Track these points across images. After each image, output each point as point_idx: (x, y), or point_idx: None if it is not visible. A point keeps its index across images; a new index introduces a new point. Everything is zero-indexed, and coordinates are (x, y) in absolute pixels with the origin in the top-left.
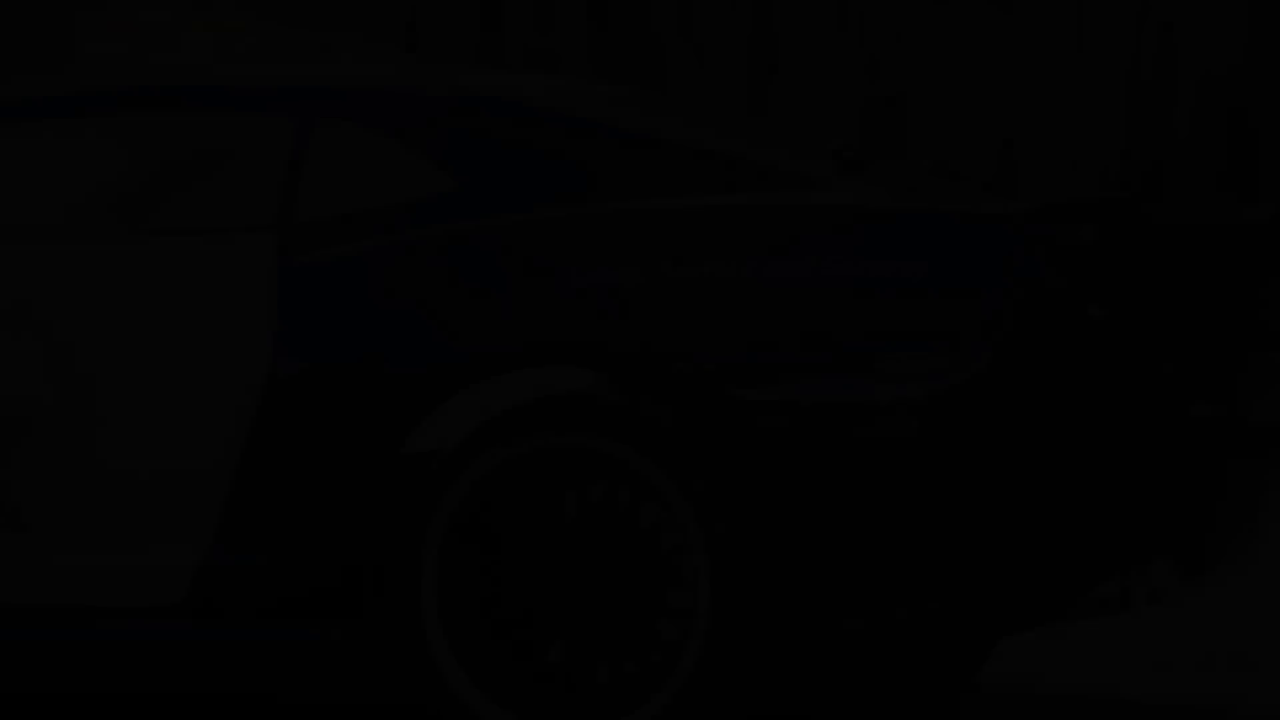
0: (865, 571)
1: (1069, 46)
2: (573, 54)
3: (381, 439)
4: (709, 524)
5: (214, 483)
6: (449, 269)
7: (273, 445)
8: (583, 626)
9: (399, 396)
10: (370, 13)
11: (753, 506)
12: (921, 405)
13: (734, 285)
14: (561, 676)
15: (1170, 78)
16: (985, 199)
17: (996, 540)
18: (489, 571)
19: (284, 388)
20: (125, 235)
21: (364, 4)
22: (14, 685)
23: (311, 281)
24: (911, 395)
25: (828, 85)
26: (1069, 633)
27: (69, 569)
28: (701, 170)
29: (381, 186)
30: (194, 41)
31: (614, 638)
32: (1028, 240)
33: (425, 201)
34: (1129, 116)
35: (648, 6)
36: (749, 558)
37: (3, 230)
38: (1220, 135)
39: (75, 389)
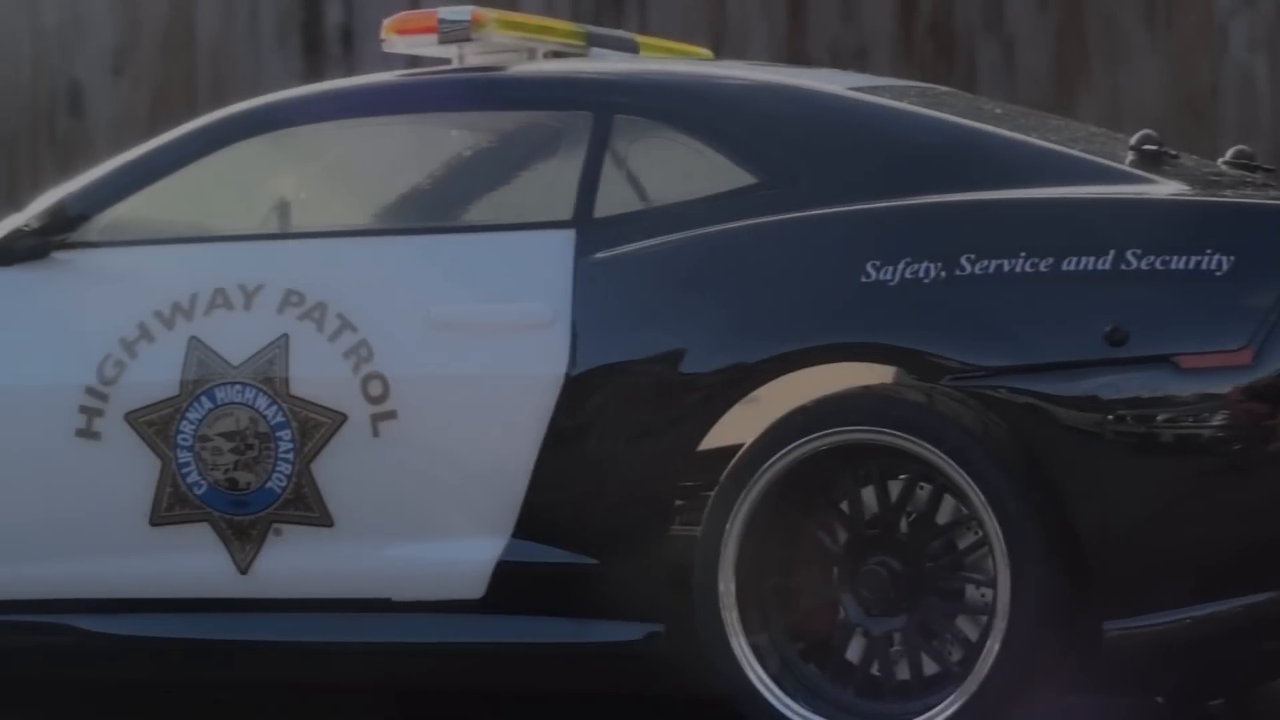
0: (1166, 569)
1: None
2: (879, 48)
3: (679, 436)
4: (1007, 522)
5: (513, 480)
6: (750, 264)
7: (570, 442)
8: (882, 625)
9: (698, 392)
10: (677, 8)
11: (1053, 504)
12: (1226, 401)
13: (1036, 279)
14: (860, 675)
15: None
16: None
17: None
18: (787, 569)
19: (581, 384)
20: (430, 231)
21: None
22: (315, 677)
23: (609, 277)
24: (1216, 390)
25: (1138, 81)
26: None
27: (373, 565)
28: (1008, 164)
29: (680, 181)
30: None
31: (913, 636)
32: None
33: (725, 196)
34: None
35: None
36: (1048, 556)
37: (317, 224)
38: None
39: (382, 386)
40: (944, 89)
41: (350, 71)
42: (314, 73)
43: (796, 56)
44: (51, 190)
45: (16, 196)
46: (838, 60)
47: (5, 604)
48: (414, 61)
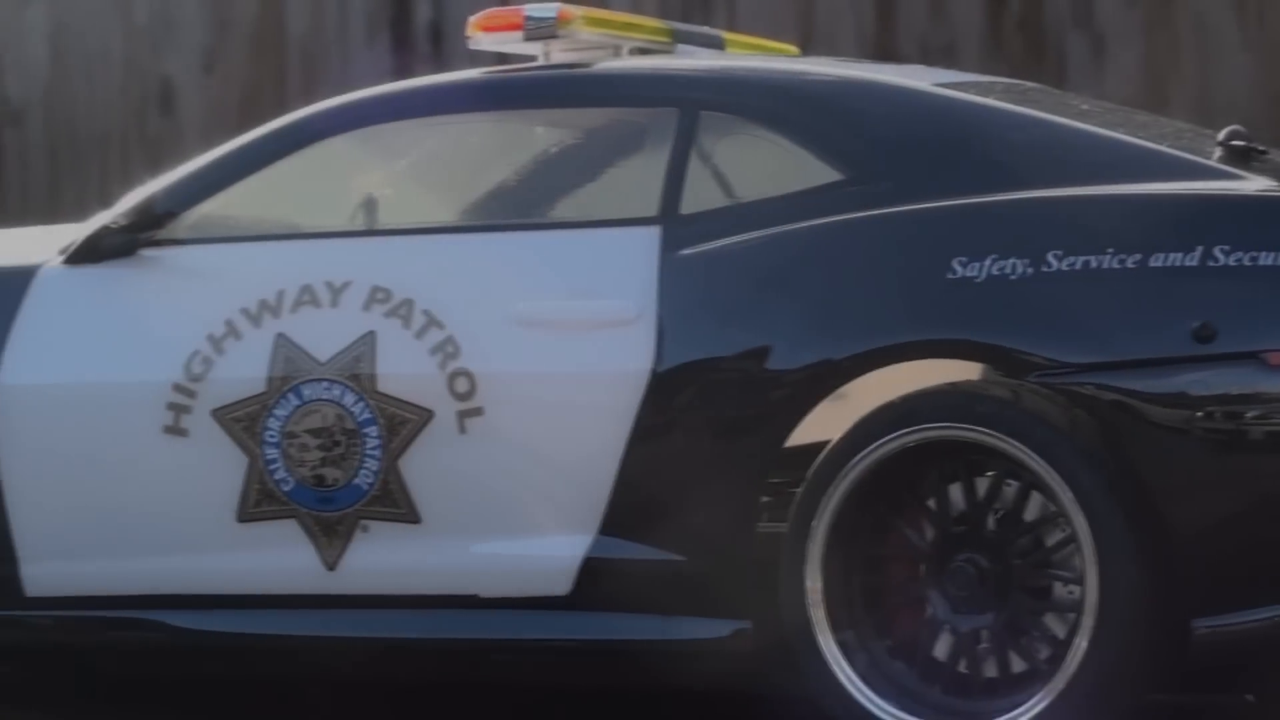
0: (1255, 566)
1: None
2: (968, 44)
3: (765, 433)
4: (1096, 519)
5: (600, 477)
6: (837, 261)
7: (655, 439)
8: (969, 622)
9: (784, 389)
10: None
11: (1141, 501)
12: None
13: (1124, 276)
14: (948, 672)
15: None
16: None
17: None
18: (874, 566)
19: (666, 381)
20: (516, 228)
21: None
22: (401, 674)
23: (695, 274)
24: None
25: (1228, 77)
26: None
27: (460, 561)
28: (1096, 160)
29: (766, 178)
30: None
31: (1001, 634)
32: None
33: (811, 193)
34: None
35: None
36: (1136, 554)
37: (403, 221)
38: None
39: (468, 383)
40: (1031, 85)
41: (439, 69)
42: (403, 70)
43: (884, 53)
44: (139, 188)
45: (108, 194)
46: (926, 56)
47: (94, 600)
48: (501, 59)
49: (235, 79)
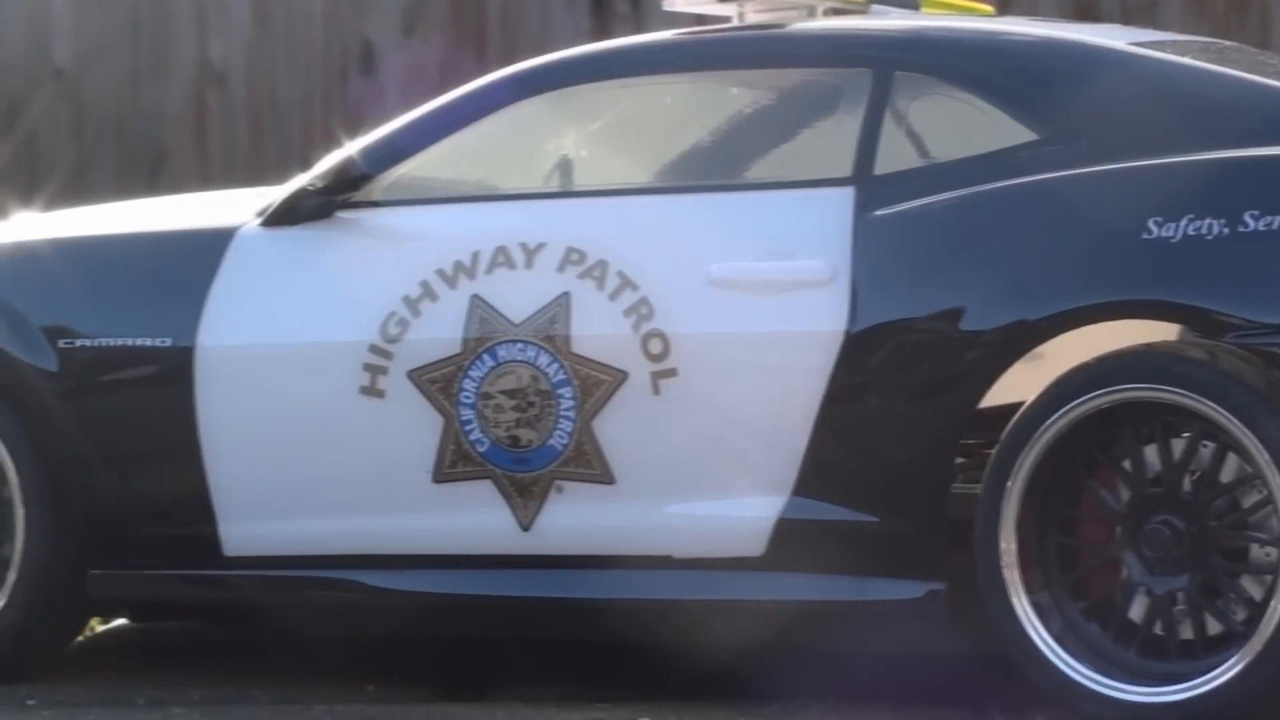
0: None
1: None
2: (1169, 2)
3: (959, 394)
4: None
5: (793, 438)
6: (1032, 221)
7: (849, 400)
8: (1164, 584)
9: (978, 350)
10: None
11: None
12: None
13: None
14: (1143, 634)
15: None
16: None
17: None
18: (1068, 527)
19: (860, 342)
20: (710, 189)
21: None
22: (594, 633)
23: (889, 234)
24: None
25: None
26: None
27: (654, 522)
28: None
29: (960, 138)
30: None
31: (1196, 595)
32: None
33: (1006, 153)
34: None
35: None
36: None
37: (598, 183)
38: None
39: (662, 344)
40: (1229, 44)
41: (638, 30)
42: (602, 31)
43: (1085, 12)
44: (337, 150)
45: (309, 156)
46: (1127, 15)
47: (291, 559)
48: (698, 20)
49: (435, 40)
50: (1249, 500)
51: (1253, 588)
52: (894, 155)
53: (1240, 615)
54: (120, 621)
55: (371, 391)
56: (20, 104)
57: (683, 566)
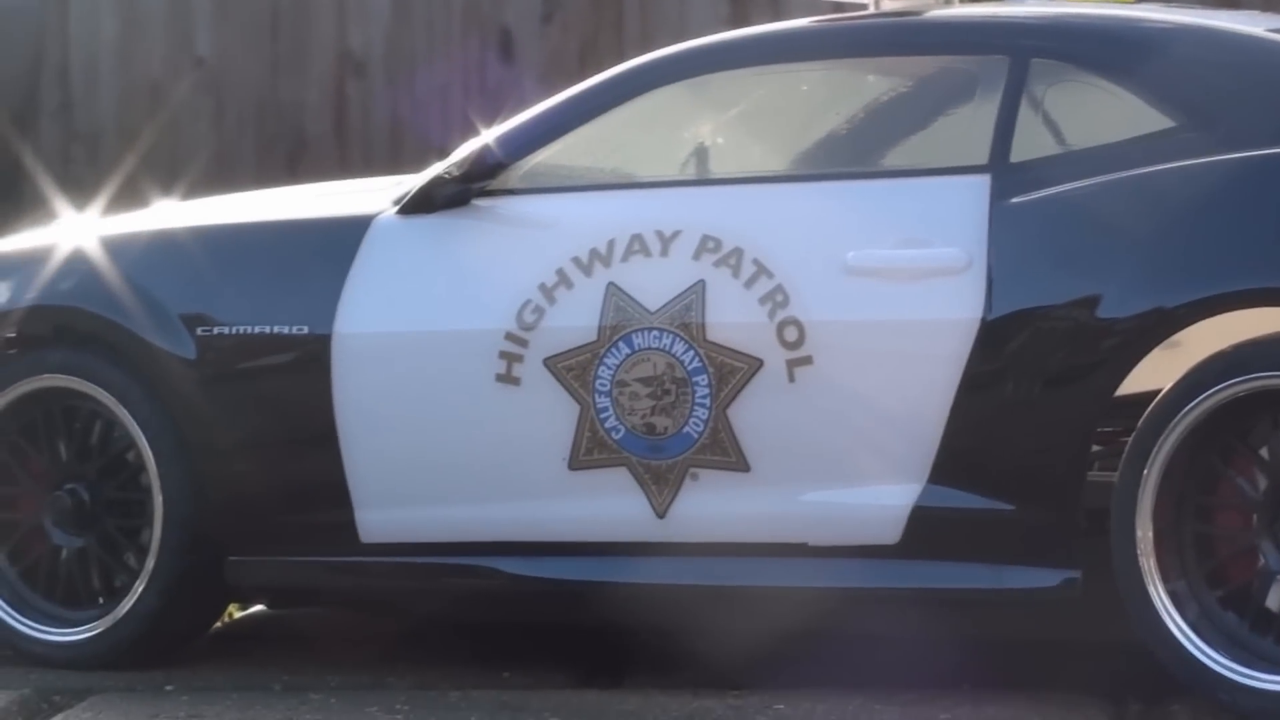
0: None
1: None
2: None
3: (1096, 381)
4: None
5: (929, 426)
6: (1170, 208)
7: (985, 387)
8: None
9: (1115, 337)
10: None
11: None
12: None
13: None
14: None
15: None
16: None
17: None
18: (1205, 515)
19: (997, 329)
20: (845, 177)
21: None
22: (729, 621)
23: (1025, 222)
24: None
25: None
26: None
27: (790, 510)
28: None
29: (1097, 125)
30: None
31: None
32: None
33: (1143, 140)
34: None
35: None
36: None
37: (733, 171)
38: None
39: (797, 332)
40: None
41: (775, 17)
42: (739, 19)
43: (1224, 1)
44: (474, 138)
45: (447, 144)
46: (1270, 2)
47: (428, 546)
48: (834, 6)
49: (574, 28)
50: None
51: None
52: (1030, 142)
53: None
54: (257, 608)
55: (507, 379)
56: (162, 93)
57: (818, 554)
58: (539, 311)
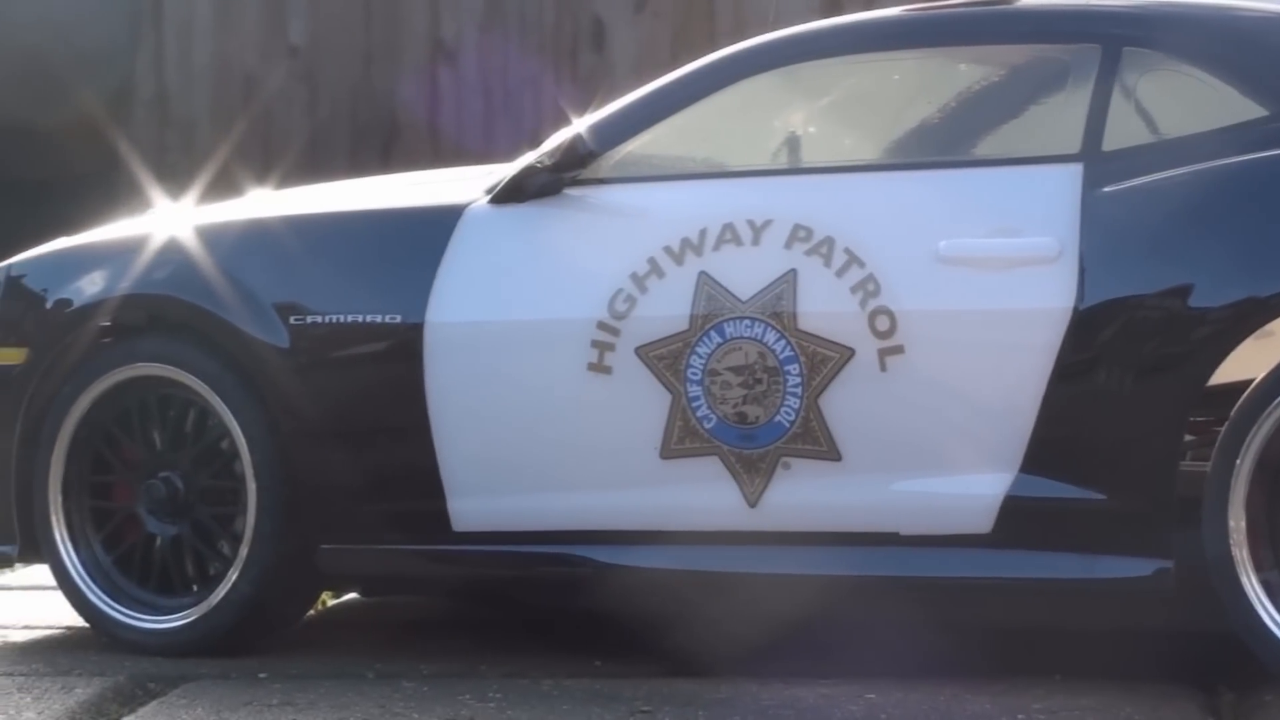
0: None
1: None
2: None
3: (1188, 371)
4: None
5: (1021, 415)
6: (1264, 197)
7: (1077, 377)
8: None
9: (1208, 327)
10: None
11: None
12: None
13: None
14: None
15: None
16: None
17: None
18: None
19: (1088, 319)
20: (937, 166)
21: None
22: (821, 609)
23: (1117, 211)
24: None
25: None
26: None
27: (881, 499)
28: None
29: (1190, 114)
30: None
31: None
32: None
33: (1236, 129)
34: None
35: None
36: None
37: (824, 160)
38: None
39: (889, 321)
40: None
41: (868, 7)
42: (831, 8)
43: None
44: (565, 127)
45: (538, 133)
46: None
47: (520, 535)
48: None
49: (666, 17)
50: None
51: None
52: (1122, 131)
53: None
54: (351, 596)
55: (599, 368)
56: (256, 82)
57: (909, 544)
58: (630, 300)
